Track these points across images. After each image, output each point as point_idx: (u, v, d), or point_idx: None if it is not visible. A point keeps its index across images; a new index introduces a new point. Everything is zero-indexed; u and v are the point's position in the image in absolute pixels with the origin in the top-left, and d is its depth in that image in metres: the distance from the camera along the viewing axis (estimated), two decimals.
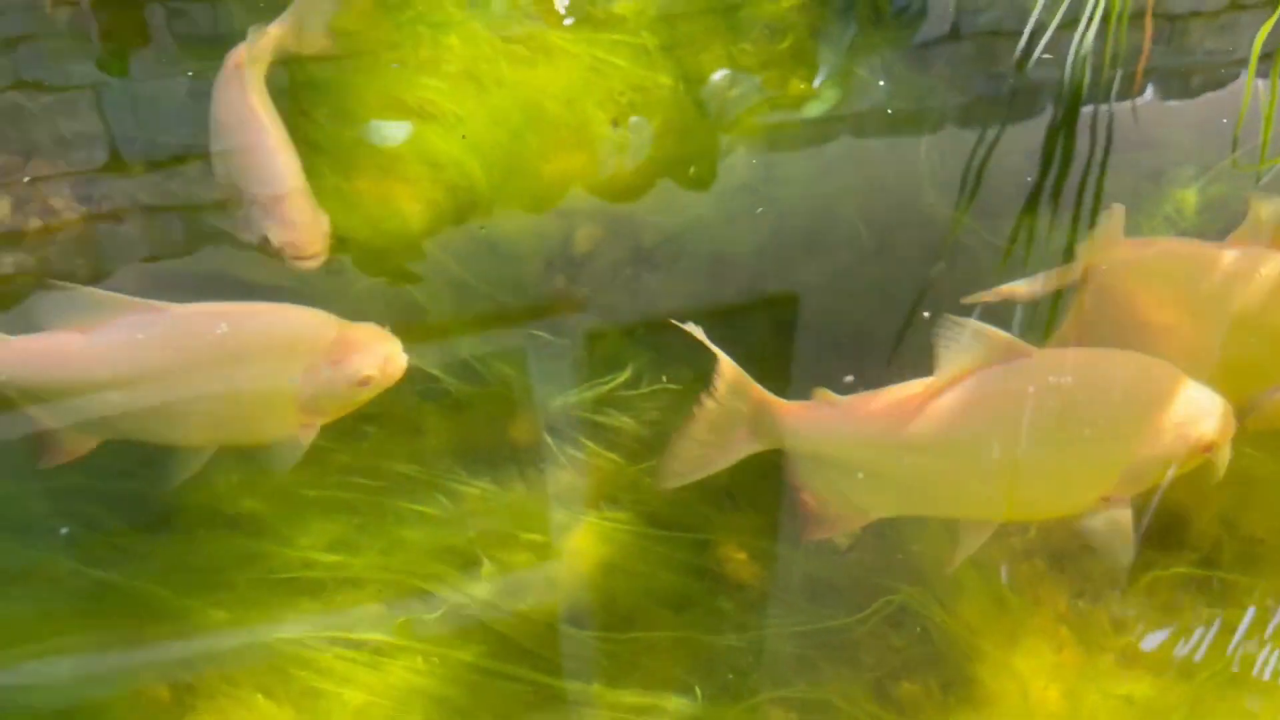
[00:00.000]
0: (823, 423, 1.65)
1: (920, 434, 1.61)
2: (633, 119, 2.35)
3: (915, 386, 1.65)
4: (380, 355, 1.67)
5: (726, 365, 1.63)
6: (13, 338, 1.66)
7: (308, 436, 1.69)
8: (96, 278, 2.05)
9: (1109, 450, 1.61)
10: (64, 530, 1.74)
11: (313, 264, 1.85)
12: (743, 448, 1.67)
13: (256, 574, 1.73)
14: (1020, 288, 1.94)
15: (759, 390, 1.65)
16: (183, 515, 1.76)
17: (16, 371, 1.65)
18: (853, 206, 2.19)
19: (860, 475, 1.65)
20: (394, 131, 2.26)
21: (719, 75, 2.39)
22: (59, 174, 2.18)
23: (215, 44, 2.20)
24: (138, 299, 1.65)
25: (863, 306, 2.11)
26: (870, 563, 1.79)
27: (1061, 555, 1.81)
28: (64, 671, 1.64)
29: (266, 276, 1.99)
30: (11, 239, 2.09)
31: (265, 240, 1.85)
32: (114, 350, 1.62)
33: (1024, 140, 2.34)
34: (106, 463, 1.74)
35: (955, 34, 2.49)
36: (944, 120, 2.34)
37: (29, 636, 1.67)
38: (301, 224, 1.85)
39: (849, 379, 1.85)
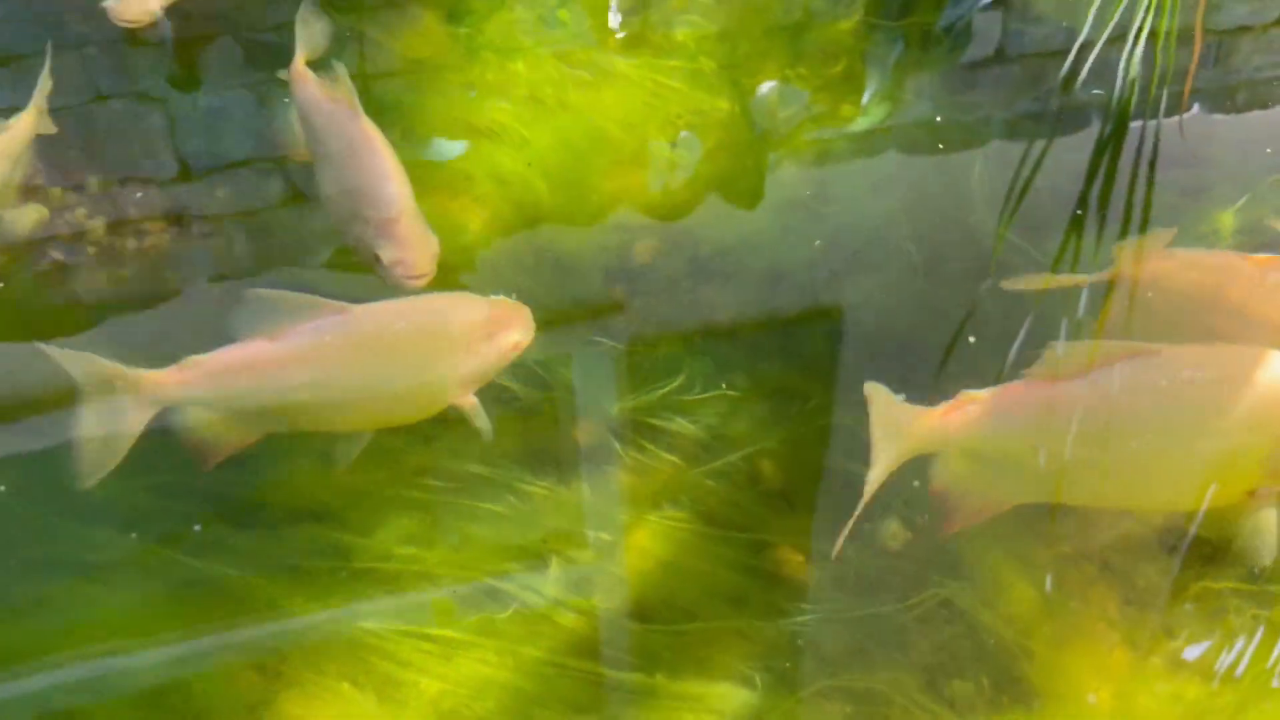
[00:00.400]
0: (977, 420, 1.74)
1: (1072, 425, 1.71)
2: (685, 135, 2.46)
3: (1053, 382, 1.74)
4: (522, 322, 1.89)
5: (875, 392, 1.76)
6: (204, 357, 1.75)
7: (467, 405, 1.86)
8: (175, 286, 2.18)
9: (1251, 442, 1.67)
10: (161, 525, 1.86)
11: (421, 283, 1.94)
12: (903, 457, 1.77)
13: (338, 565, 1.84)
14: (1051, 280, 2.06)
15: (911, 408, 1.77)
16: (269, 510, 1.88)
17: (210, 390, 1.75)
18: (901, 223, 2.28)
19: (1010, 466, 1.74)
20: (453, 149, 2.40)
21: (768, 88, 2.48)
22: (132, 183, 2.32)
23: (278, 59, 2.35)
24: (319, 299, 1.78)
25: (910, 320, 2.19)
26: (921, 559, 1.87)
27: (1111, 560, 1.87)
28: (162, 655, 1.76)
29: (338, 284, 2.13)
30: (86, 243, 2.23)
31: (377, 259, 1.94)
32: (302, 357, 1.76)
33: (1070, 158, 2.41)
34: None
35: (1001, 55, 2.57)
36: (990, 138, 2.41)
37: (131, 622, 1.79)
38: (414, 244, 1.95)
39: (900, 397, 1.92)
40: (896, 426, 1.74)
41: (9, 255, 2.17)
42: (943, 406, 1.76)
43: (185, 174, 2.35)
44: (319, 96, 2.16)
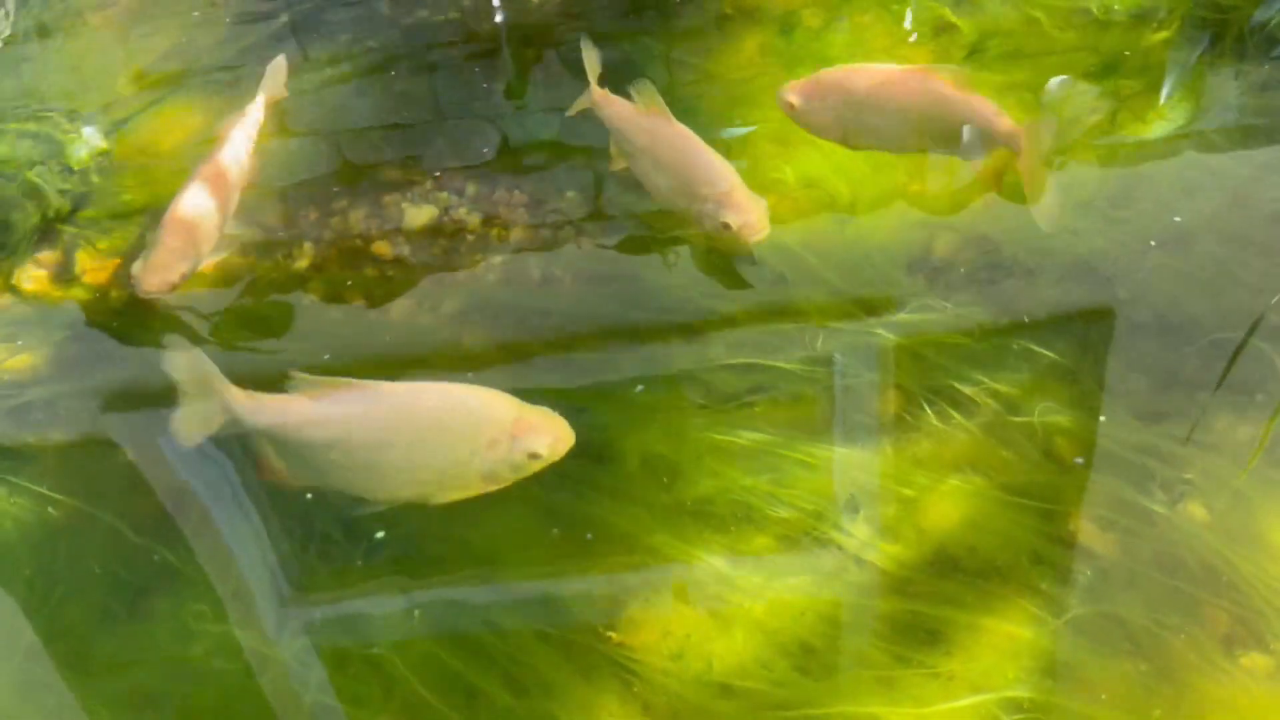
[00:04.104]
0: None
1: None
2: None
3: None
4: (550, 435, 1.92)
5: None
6: (269, 396, 1.95)
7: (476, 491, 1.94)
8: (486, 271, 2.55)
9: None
10: None
11: (762, 237, 2.31)
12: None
13: (673, 504, 2.13)
14: None
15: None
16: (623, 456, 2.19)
17: (260, 423, 1.95)
18: (1206, 226, 2.37)
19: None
20: (738, 133, 2.74)
21: (1059, 81, 2.63)
22: (463, 180, 2.71)
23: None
24: (361, 380, 1.92)
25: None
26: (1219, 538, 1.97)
27: None
28: (528, 582, 2.09)
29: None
30: (429, 238, 2.63)
31: (726, 226, 2.29)
32: (332, 417, 1.91)
33: None
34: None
35: None
36: None
37: (500, 551, 2.14)
38: (752, 208, 2.31)
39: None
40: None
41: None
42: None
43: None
44: (629, 112, 2.47)
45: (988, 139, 2.26)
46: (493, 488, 1.93)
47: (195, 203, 2.49)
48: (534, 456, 1.89)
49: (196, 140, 2.85)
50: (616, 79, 2.52)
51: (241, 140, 2.64)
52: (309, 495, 2.17)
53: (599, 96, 2.52)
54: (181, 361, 1.97)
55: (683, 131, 2.41)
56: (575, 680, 1.94)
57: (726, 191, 2.31)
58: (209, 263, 2.54)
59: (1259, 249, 2.38)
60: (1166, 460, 2.09)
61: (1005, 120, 2.25)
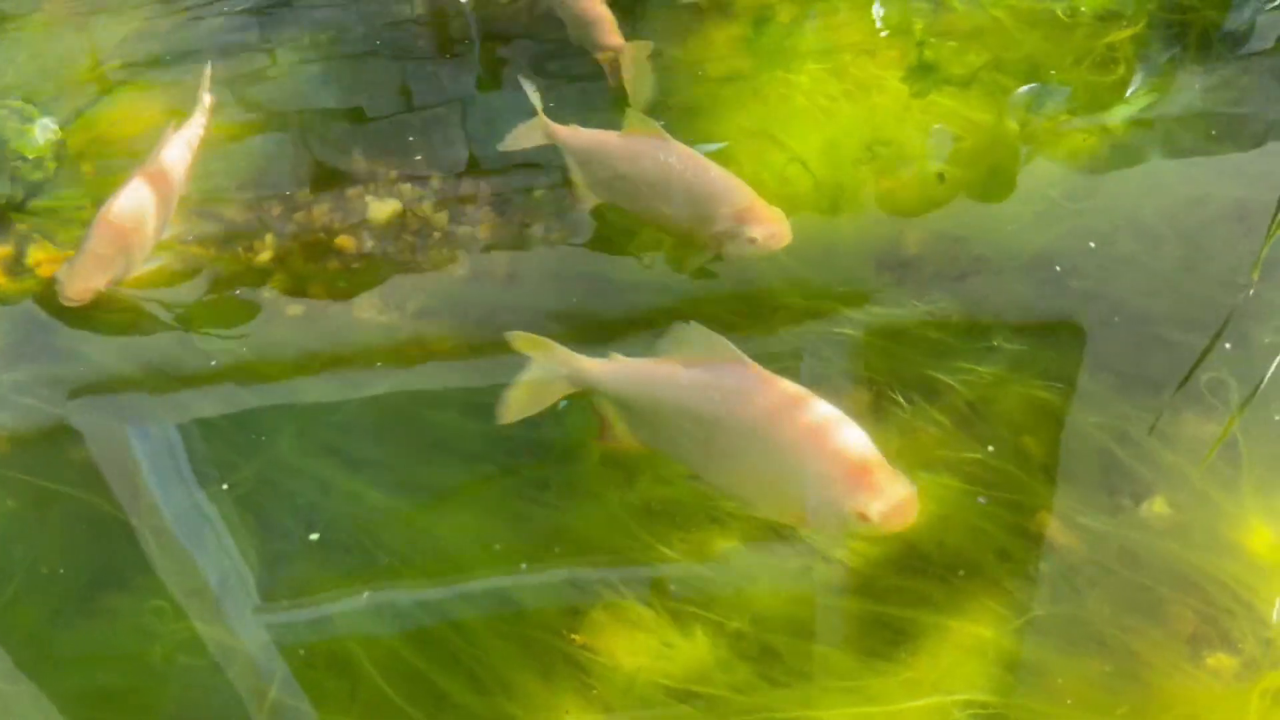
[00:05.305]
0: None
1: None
2: (940, 130, 2.65)
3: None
4: (891, 500, 1.73)
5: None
6: (626, 360, 1.97)
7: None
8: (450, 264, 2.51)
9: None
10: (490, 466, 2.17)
11: (786, 243, 2.29)
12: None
13: (638, 503, 2.11)
14: None
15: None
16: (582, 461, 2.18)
17: (615, 389, 1.96)
18: (1165, 219, 2.38)
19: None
20: (709, 149, 2.66)
21: (1026, 90, 2.63)
22: (427, 176, 2.67)
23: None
24: (741, 355, 1.86)
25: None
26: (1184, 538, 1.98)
27: None
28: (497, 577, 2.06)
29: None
30: (388, 233, 2.60)
31: (752, 240, 2.27)
32: (695, 388, 1.87)
33: None
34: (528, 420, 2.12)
35: None
36: (1265, 139, 2.49)
37: (463, 540, 2.11)
38: (774, 219, 2.28)
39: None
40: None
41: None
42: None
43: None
44: (604, 139, 2.40)
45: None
46: (806, 529, 1.89)
47: (127, 208, 2.42)
48: (863, 518, 1.73)
49: (155, 131, 2.79)
50: (588, 77, 2.49)
51: (181, 145, 2.58)
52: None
53: (562, 131, 2.46)
54: (521, 338, 2.00)
55: (686, 152, 2.35)
56: (536, 681, 1.92)
57: (747, 207, 2.27)
58: (142, 271, 2.47)
59: (1221, 244, 2.39)
60: (1133, 456, 2.09)
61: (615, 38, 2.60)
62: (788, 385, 1.84)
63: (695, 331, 1.90)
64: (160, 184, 2.49)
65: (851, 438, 1.77)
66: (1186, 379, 2.18)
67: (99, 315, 2.45)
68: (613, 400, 1.98)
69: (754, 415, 1.81)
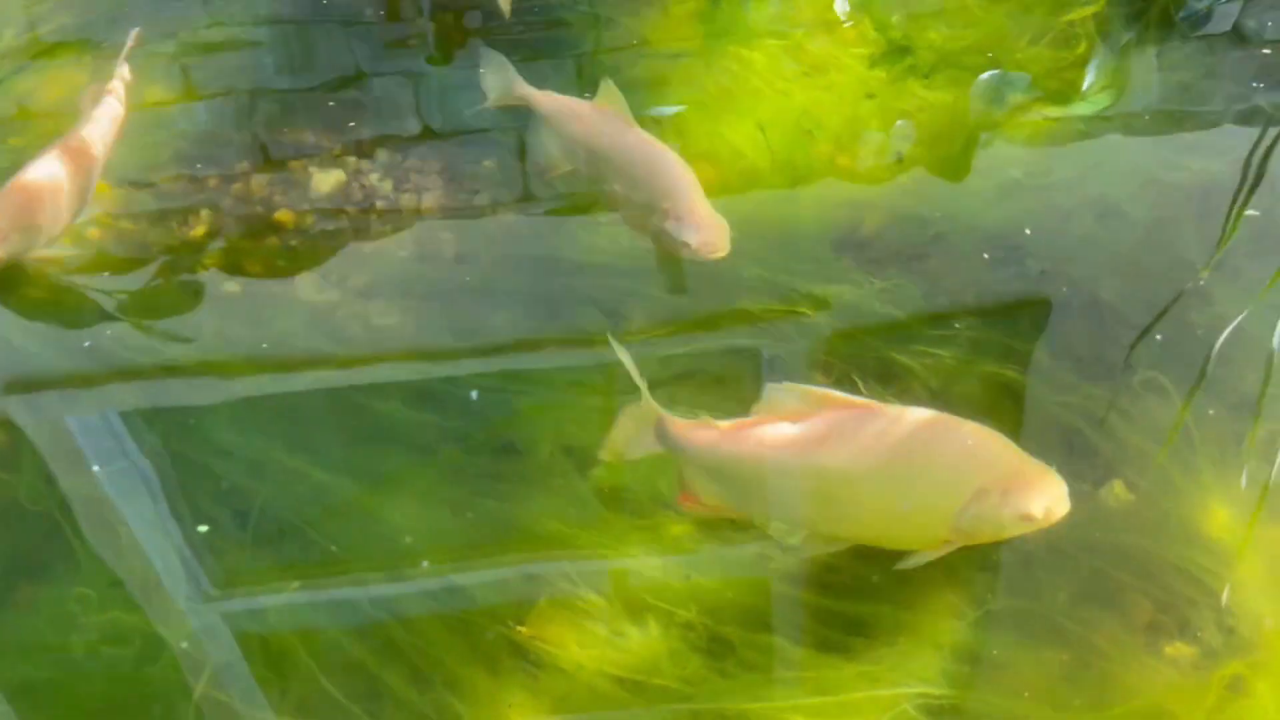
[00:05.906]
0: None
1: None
2: (902, 123, 2.59)
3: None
4: (1050, 496, 1.70)
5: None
6: (720, 423, 1.86)
7: (940, 553, 1.74)
8: (402, 240, 2.42)
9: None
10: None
11: (721, 255, 2.19)
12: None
13: (588, 491, 2.04)
14: None
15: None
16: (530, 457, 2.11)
17: (703, 455, 1.86)
18: (1126, 198, 2.34)
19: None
20: (667, 111, 2.62)
21: (986, 78, 2.59)
22: (374, 145, 2.58)
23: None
24: (848, 396, 1.82)
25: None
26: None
27: None
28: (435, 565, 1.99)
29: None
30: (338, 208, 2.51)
31: (685, 245, 2.18)
32: (814, 445, 1.78)
33: None
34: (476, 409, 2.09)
35: (1240, 36, 2.61)
36: (1223, 124, 2.47)
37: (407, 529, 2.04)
38: (713, 226, 2.20)
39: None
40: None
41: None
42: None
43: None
44: (584, 110, 2.36)
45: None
46: (952, 547, 1.75)
47: (35, 183, 2.28)
48: (1025, 519, 1.68)
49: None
50: (547, 46, 2.42)
51: (103, 120, 2.44)
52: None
53: (544, 97, 2.41)
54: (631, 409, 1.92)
55: (644, 138, 2.31)
56: (482, 674, 1.85)
57: (689, 209, 2.20)
58: (57, 251, 2.35)
59: (1180, 224, 2.36)
60: (1092, 438, 2.06)
61: None
62: (904, 412, 1.78)
63: (791, 391, 1.83)
64: (76, 160, 2.35)
65: (991, 443, 1.75)
66: (1129, 354, 2.15)
67: (18, 292, 2.34)
68: (703, 467, 1.88)
69: (885, 453, 1.74)
